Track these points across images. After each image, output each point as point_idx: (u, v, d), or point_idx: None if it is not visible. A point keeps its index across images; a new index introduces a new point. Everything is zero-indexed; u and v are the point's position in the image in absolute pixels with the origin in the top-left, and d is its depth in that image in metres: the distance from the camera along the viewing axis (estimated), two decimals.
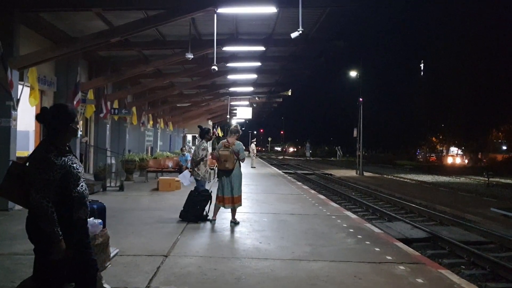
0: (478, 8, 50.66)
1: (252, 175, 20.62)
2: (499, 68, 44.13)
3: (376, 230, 7.95)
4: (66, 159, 2.96)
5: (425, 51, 61.89)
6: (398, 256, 5.94)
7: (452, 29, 50.89)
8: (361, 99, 28.96)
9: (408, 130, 59.97)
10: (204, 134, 8.76)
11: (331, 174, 29.96)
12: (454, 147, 57.82)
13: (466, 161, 53.39)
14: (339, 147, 78.97)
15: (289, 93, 27.92)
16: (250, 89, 25.76)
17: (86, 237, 3.13)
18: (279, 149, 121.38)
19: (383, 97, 67.30)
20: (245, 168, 23.38)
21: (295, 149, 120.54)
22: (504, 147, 52.88)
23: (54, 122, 3.01)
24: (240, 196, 8.05)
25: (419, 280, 4.87)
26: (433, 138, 60.88)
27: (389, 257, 5.82)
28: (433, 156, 63.28)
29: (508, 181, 26.37)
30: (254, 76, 20.62)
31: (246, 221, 8.28)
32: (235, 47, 14.35)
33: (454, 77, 47.96)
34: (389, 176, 29.76)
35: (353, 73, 31.68)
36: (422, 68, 66.09)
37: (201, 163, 8.47)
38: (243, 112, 33.11)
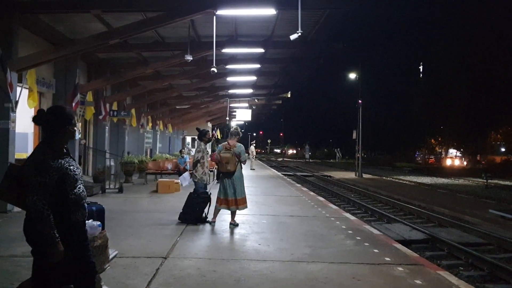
0: (478, 9, 50.62)
1: (251, 177, 20.61)
2: (499, 69, 44.12)
3: (375, 231, 7.96)
4: (63, 162, 2.95)
5: (424, 52, 61.83)
6: (397, 257, 5.94)
7: (452, 30, 50.76)
8: (360, 101, 29.00)
9: (407, 131, 59.99)
10: (201, 136, 8.77)
11: (330, 176, 29.99)
12: (453, 149, 57.85)
13: (465, 163, 53.43)
14: (338, 149, 79.02)
15: (289, 95, 27.95)
16: (250, 91, 25.80)
17: (85, 239, 3.13)
18: (278, 151, 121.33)
19: (382, 98, 67.19)
20: (244, 170, 23.29)
21: (295, 151, 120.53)
22: (503, 149, 52.96)
23: (51, 124, 3.01)
24: (244, 198, 8.05)
25: (418, 282, 4.88)
26: (432, 140, 60.94)
27: (387, 259, 5.82)
28: (432, 158, 63.32)
29: (507, 182, 26.40)
30: (253, 78, 20.66)
31: (246, 223, 8.28)
32: (235, 49, 14.36)
33: (453, 78, 47.98)
34: (388, 178, 29.78)
35: (352, 75, 31.76)
36: (421, 69, 66.19)
37: (198, 165, 8.48)
38: (242, 114, 33.17)
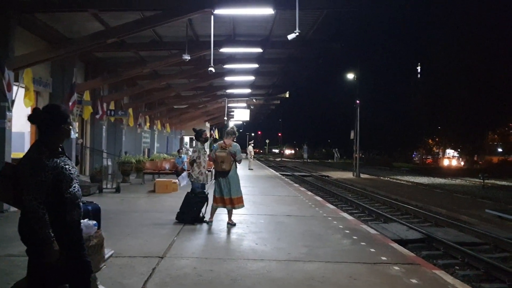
0: (477, 9, 50.59)
1: (249, 177, 20.62)
2: (498, 69, 44.12)
3: (372, 231, 7.97)
4: (58, 161, 2.94)
5: (423, 52, 61.86)
6: (393, 257, 5.95)
7: (451, 30, 50.76)
8: (358, 102, 29.02)
9: (405, 132, 60.05)
10: (198, 136, 8.78)
11: (328, 176, 30.00)
12: (451, 149, 57.93)
13: (462, 163, 53.53)
14: (336, 149, 79.04)
15: (287, 95, 27.96)
16: (248, 91, 25.81)
17: (80, 238, 3.12)
18: (277, 151, 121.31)
19: (381, 98, 67.28)
20: (242, 170, 23.37)
21: (293, 151, 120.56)
22: (500, 150, 53.10)
23: (46, 122, 3.00)
24: (241, 197, 8.06)
25: (414, 281, 4.89)
26: (430, 141, 61.04)
27: (384, 258, 5.83)
28: (429, 158, 63.43)
29: (504, 183, 26.46)
30: (251, 78, 20.65)
31: (243, 223, 8.28)
32: (233, 48, 14.38)
33: (452, 78, 48.00)
34: (386, 178, 29.81)
35: (350, 75, 31.80)
36: (419, 70, 66.30)
37: (194, 165, 8.48)
38: (240, 114, 33.12)
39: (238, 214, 8.66)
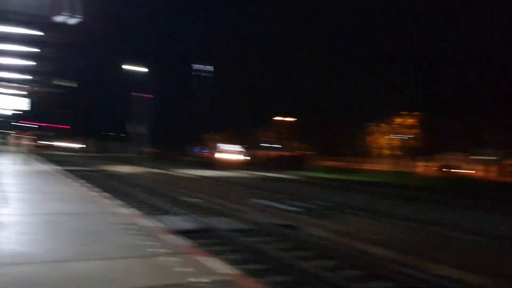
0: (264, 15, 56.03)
1: (24, 172, 18.47)
2: (266, 76, 49.97)
3: (151, 224, 8.11)
4: None
5: (211, 53, 65.85)
6: (170, 248, 6.19)
7: (237, 31, 55.32)
8: (144, 95, 29.04)
9: (192, 128, 62.83)
10: None
11: (114, 171, 29.24)
12: (227, 143, 62.93)
13: (244, 157, 58.99)
14: (125, 142, 77.27)
15: (73, 85, 26.12)
16: (25, 76, 23.03)
17: None
18: (67, 144, 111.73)
19: (172, 96, 68.88)
20: (18, 165, 20.80)
21: (83, 145, 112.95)
22: (273, 145, 60.59)
23: None
24: None
25: (188, 269, 5.17)
26: (210, 136, 65.49)
27: (161, 250, 6.02)
28: (210, 152, 67.93)
29: (280, 175, 30.25)
30: (29, 62, 18.51)
31: (12, 224, 7.40)
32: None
33: (232, 79, 52.38)
34: (174, 172, 30.68)
35: (130, 67, 31.52)
36: (200, 70, 70.09)
37: None
38: (15, 102, 29.32)
39: (6, 215, 7.72)
